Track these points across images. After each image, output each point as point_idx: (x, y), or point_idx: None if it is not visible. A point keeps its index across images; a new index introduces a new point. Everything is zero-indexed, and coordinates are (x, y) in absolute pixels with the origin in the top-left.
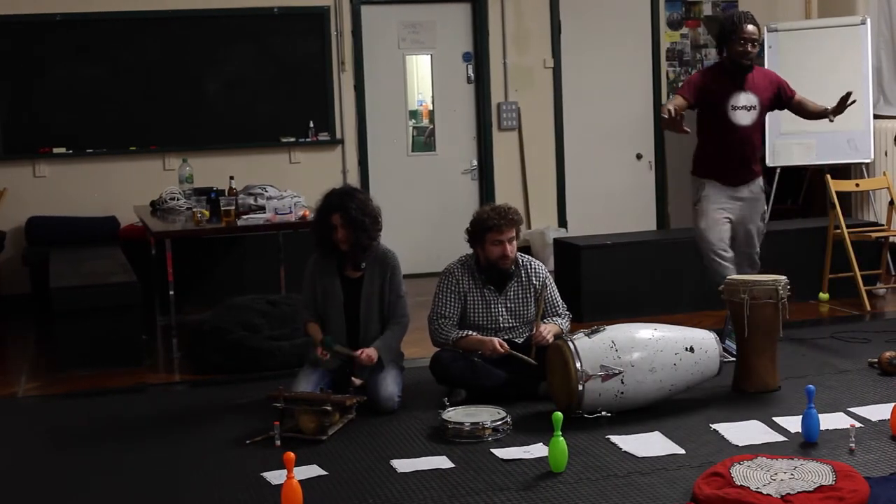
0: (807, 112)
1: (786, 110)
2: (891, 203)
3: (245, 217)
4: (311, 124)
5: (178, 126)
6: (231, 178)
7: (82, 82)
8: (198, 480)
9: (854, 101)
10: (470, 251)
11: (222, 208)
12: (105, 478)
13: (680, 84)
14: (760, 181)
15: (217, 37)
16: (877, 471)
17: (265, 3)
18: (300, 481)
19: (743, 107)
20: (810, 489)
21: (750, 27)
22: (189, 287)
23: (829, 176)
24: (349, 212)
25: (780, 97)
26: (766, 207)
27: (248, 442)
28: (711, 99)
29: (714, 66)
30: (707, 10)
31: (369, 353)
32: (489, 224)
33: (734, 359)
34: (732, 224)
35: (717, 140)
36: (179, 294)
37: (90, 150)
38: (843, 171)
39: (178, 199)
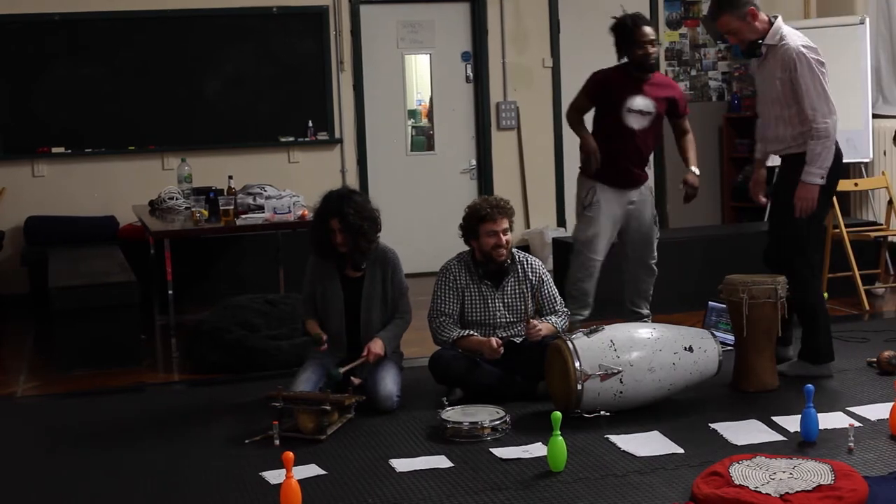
0: (680, 143)
1: None
2: (889, 202)
3: (244, 217)
4: (310, 124)
5: (177, 125)
6: (230, 177)
7: (81, 82)
8: (197, 480)
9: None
10: (467, 249)
11: (221, 208)
12: (104, 477)
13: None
14: (649, 184)
15: (216, 36)
16: (875, 470)
17: (264, 3)
18: (299, 481)
19: (639, 111)
20: (809, 488)
21: (646, 28)
22: (188, 287)
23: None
24: (347, 217)
25: (673, 111)
26: (655, 211)
27: (246, 441)
28: (609, 98)
29: (617, 66)
30: (706, 9)
31: (375, 350)
32: (482, 214)
33: (731, 347)
34: (623, 230)
35: (610, 142)
36: (178, 294)
37: (89, 150)
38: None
39: (176, 199)
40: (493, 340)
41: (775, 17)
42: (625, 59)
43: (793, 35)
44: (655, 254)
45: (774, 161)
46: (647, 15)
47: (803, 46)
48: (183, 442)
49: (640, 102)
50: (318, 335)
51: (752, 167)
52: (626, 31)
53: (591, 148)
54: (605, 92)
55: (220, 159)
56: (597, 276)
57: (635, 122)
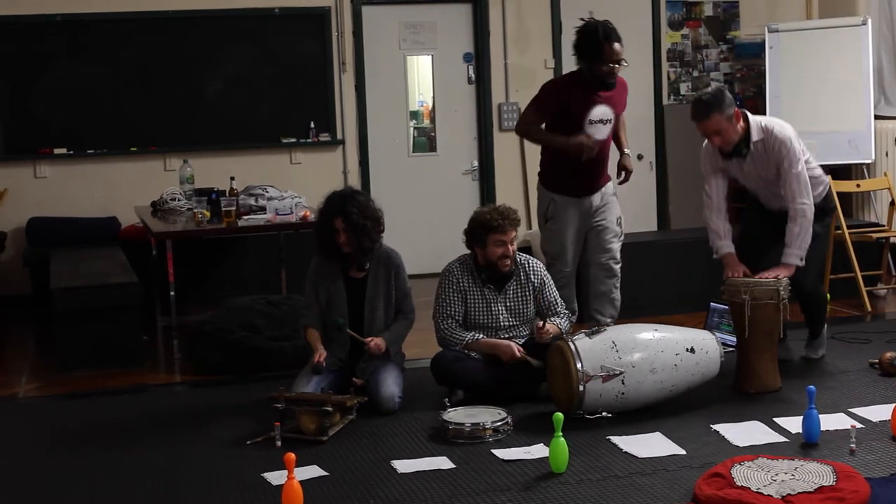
0: (617, 130)
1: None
2: (891, 203)
3: (246, 218)
4: (312, 125)
5: (179, 126)
6: (232, 178)
7: (83, 83)
8: (198, 481)
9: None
10: (468, 252)
11: (223, 209)
12: (105, 478)
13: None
14: (611, 185)
15: (218, 37)
16: (877, 471)
17: (266, 4)
18: (301, 482)
19: (599, 120)
20: (811, 490)
21: (616, 46)
22: (190, 288)
23: (829, 176)
24: (351, 216)
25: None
26: (620, 214)
27: (248, 442)
28: (568, 111)
29: (571, 76)
30: (708, 10)
31: (378, 342)
32: (492, 225)
33: (733, 348)
34: (587, 237)
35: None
36: (180, 295)
37: (91, 151)
38: (843, 172)
39: (178, 200)
40: (514, 347)
41: (744, 114)
42: (579, 66)
43: (770, 122)
44: (617, 255)
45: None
46: (648, 15)
47: (790, 135)
48: (184, 443)
49: (599, 112)
50: (316, 349)
51: (726, 264)
52: (595, 43)
53: (574, 142)
54: (562, 106)
55: (222, 160)
56: (573, 283)
57: (597, 133)
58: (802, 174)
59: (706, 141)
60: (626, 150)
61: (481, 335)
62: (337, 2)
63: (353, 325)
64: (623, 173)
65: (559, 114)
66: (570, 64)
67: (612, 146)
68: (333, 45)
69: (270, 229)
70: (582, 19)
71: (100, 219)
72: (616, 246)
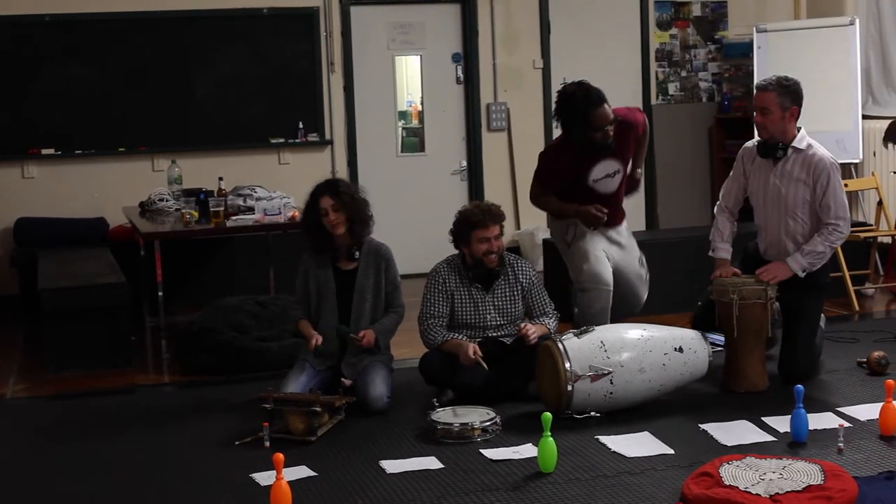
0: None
1: None
2: (879, 203)
3: (234, 218)
4: (301, 125)
5: (167, 127)
6: (220, 178)
7: (71, 83)
8: (187, 481)
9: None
10: (456, 252)
11: (211, 209)
12: (94, 478)
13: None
14: (625, 225)
15: (206, 38)
16: (865, 470)
17: (255, 4)
18: (289, 482)
19: (605, 176)
20: (799, 489)
21: (602, 109)
22: (178, 288)
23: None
24: (339, 192)
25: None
26: (641, 253)
27: (237, 443)
28: (568, 179)
29: (563, 141)
30: (696, 10)
31: (369, 338)
32: (474, 221)
33: (721, 348)
34: (614, 268)
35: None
36: (168, 295)
37: (79, 151)
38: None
39: (166, 201)
40: (471, 348)
41: (799, 126)
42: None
43: (818, 144)
44: (644, 297)
45: None
46: (636, 15)
47: (835, 162)
48: (173, 443)
49: (601, 169)
50: (311, 335)
51: (717, 266)
52: (579, 111)
53: (580, 208)
54: (559, 175)
55: (210, 161)
56: (610, 305)
57: (604, 187)
58: (842, 197)
59: (749, 142)
60: (639, 168)
61: (461, 335)
62: (325, 2)
63: (341, 316)
64: (629, 183)
65: (559, 183)
66: (559, 64)
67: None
68: (322, 45)
69: (259, 230)
70: (563, 83)
71: (88, 219)
72: (644, 290)
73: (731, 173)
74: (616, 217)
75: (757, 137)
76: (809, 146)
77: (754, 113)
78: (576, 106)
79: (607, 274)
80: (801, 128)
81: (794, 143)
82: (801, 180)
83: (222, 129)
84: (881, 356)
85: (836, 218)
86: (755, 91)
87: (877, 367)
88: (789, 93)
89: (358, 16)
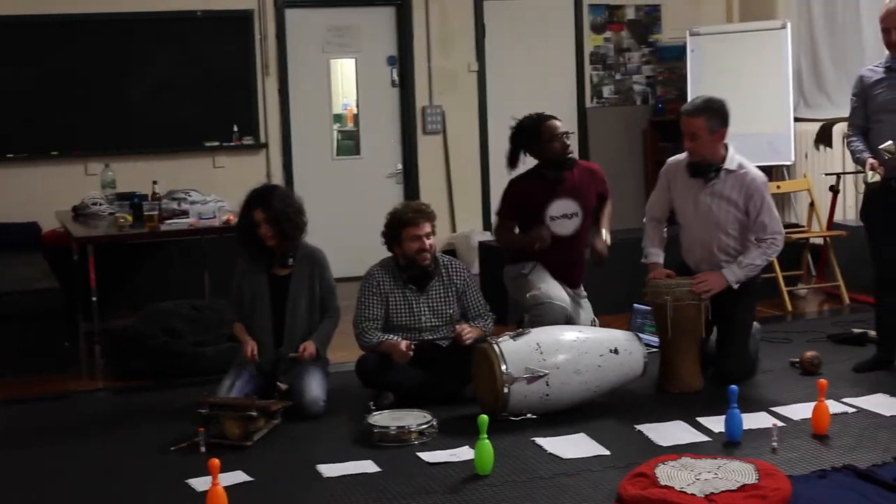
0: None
1: None
2: (811, 205)
3: (168, 222)
4: (235, 128)
5: (101, 131)
6: (154, 182)
7: (4, 86)
8: (122, 488)
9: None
10: (391, 255)
11: (145, 213)
12: (27, 486)
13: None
14: (582, 288)
15: (139, 40)
16: (799, 469)
17: (188, 7)
18: (225, 487)
19: (562, 215)
20: (734, 488)
21: (555, 121)
22: (112, 293)
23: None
24: (271, 205)
25: (601, 199)
26: (594, 316)
27: (172, 448)
28: (527, 210)
29: (530, 173)
30: (630, 14)
31: (310, 350)
32: (405, 219)
33: (656, 349)
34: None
35: (542, 253)
36: (102, 300)
37: (11, 155)
38: (764, 173)
39: (100, 205)
40: (403, 343)
41: (726, 144)
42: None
43: (747, 162)
44: None
45: None
46: (571, 18)
47: (765, 180)
48: (107, 449)
49: (559, 207)
50: (246, 341)
51: (651, 269)
52: (531, 129)
53: (530, 237)
54: (520, 206)
55: (144, 164)
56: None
57: (561, 229)
58: (775, 212)
59: (674, 157)
60: (602, 234)
61: (396, 337)
62: (260, 4)
63: (275, 323)
64: (593, 255)
65: (521, 214)
66: (494, 67)
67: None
68: (257, 48)
69: (193, 234)
70: (516, 119)
71: (20, 224)
72: None
73: (656, 186)
74: (574, 273)
75: (685, 155)
76: (740, 166)
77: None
78: (526, 123)
79: (562, 293)
80: (727, 145)
81: (726, 165)
82: (733, 200)
83: (156, 133)
84: (814, 356)
85: (772, 233)
86: (682, 116)
87: (810, 367)
88: (718, 115)
89: (293, 18)
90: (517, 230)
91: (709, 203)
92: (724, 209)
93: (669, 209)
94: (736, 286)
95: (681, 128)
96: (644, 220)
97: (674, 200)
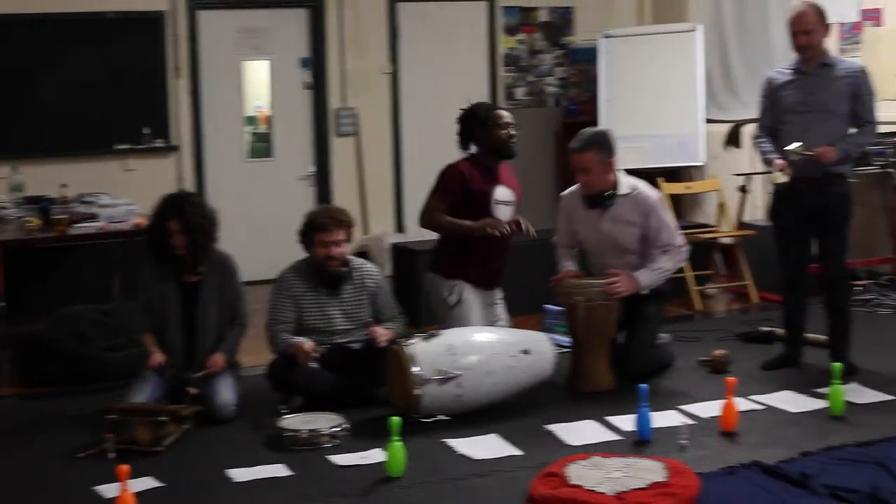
0: None
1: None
2: (721, 205)
3: (78, 226)
4: (147, 131)
5: (9, 133)
6: (63, 185)
7: None
8: (29, 495)
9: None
10: (304, 257)
11: (54, 217)
12: None
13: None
14: (499, 292)
15: (50, 42)
16: (707, 466)
17: (100, 7)
18: (135, 494)
19: (504, 202)
20: (643, 486)
21: (503, 111)
22: (21, 297)
23: (661, 179)
24: (187, 216)
25: None
26: (507, 316)
27: (80, 455)
28: (470, 192)
29: (468, 159)
30: (543, 16)
31: (219, 363)
32: (317, 224)
33: (568, 349)
34: None
35: (477, 240)
36: (11, 305)
37: None
38: (675, 174)
39: (8, 208)
40: (307, 344)
41: (618, 171)
42: (474, 149)
43: (638, 181)
44: None
45: None
46: (484, 21)
47: (657, 196)
48: (15, 456)
49: (502, 192)
50: (153, 352)
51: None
52: (480, 115)
53: (479, 224)
54: (465, 187)
55: (53, 167)
56: None
57: (503, 214)
58: (674, 224)
59: (567, 191)
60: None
61: (308, 340)
62: (172, 6)
63: (186, 331)
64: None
65: (463, 196)
66: (408, 69)
67: None
68: (168, 49)
69: (103, 237)
70: (462, 109)
71: None
72: None
73: (558, 218)
74: (502, 270)
75: (577, 186)
76: (633, 188)
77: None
78: (479, 109)
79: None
80: (616, 171)
81: (619, 191)
82: (632, 222)
83: (66, 136)
84: (723, 354)
85: (675, 245)
86: (572, 153)
87: (718, 366)
88: (605, 148)
89: (205, 20)
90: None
91: (609, 229)
92: (625, 232)
93: (573, 237)
94: (646, 291)
95: (572, 165)
96: (556, 246)
97: (576, 230)
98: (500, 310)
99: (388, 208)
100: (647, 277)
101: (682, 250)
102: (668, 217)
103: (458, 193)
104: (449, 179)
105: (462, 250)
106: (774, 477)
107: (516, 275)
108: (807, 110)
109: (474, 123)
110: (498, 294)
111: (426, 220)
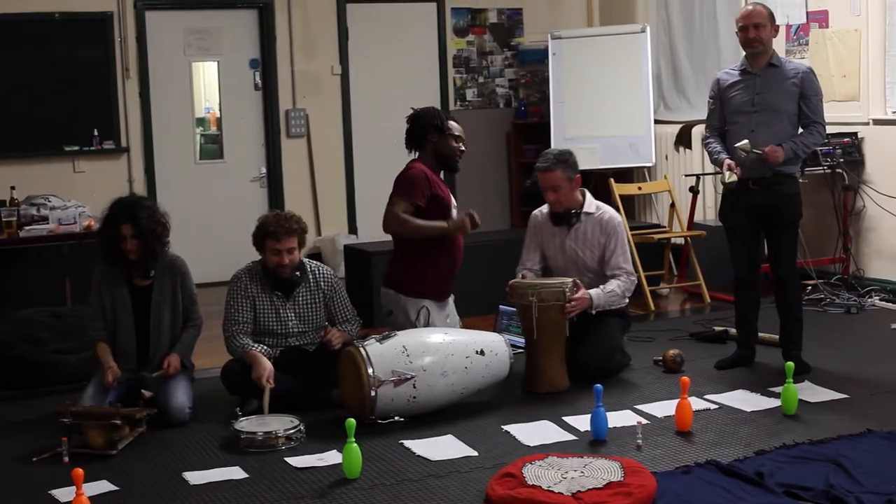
0: None
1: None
2: (672, 205)
3: (27, 228)
4: (96, 132)
5: None
6: (12, 188)
7: None
8: None
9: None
10: (258, 259)
11: (3, 219)
12: None
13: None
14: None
15: None
16: (663, 465)
17: (46, 8)
18: (90, 497)
19: (457, 207)
20: (600, 486)
21: (456, 124)
22: None
23: (612, 180)
24: (139, 221)
25: None
26: (458, 318)
27: (34, 459)
28: (438, 195)
29: (421, 161)
30: (492, 17)
31: (175, 363)
32: (268, 230)
33: (522, 350)
34: None
35: (441, 249)
36: None
37: None
38: (625, 175)
39: None
40: (265, 375)
41: (583, 190)
42: (416, 155)
43: (602, 204)
44: None
45: None
46: (434, 22)
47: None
48: None
49: (454, 200)
50: (107, 366)
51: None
52: (434, 122)
53: (454, 222)
54: (433, 190)
55: (1, 169)
56: None
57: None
58: (629, 252)
59: (537, 209)
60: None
61: (264, 343)
62: (119, 7)
63: (139, 334)
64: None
65: (432, 200)
66: (357, 70)
67: None
68: (116, 50)
69: (53, 240)
70: (413, 108)
71: None
72: None
73: (525, 241)
74: (455, 277)
75: (546, 207)
76: (598, 207)
77: (545, 191)
78: (433, 115)
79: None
80: (584, 191)
81: (585, 209)
82: (595, 241)
83: (14, 137)
84: (676, 354)
85: (626, 272)
86: (539, 171)
87: (672, 365)
88: (570, 166)
89: (153, 21)
90: None
91: (573, 247)
92: (587, 251)
93: (541, 258)
94: (593, 311)
95: (539, 184)
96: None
97: (544, 249)
98: (450, 307)
99: (341, 209)
100: (599, 298)
101: (632, 279)
102: (626, 245)
103: (428, 194)
104: (418, 181)
105: (423, 259)
106: (730, 475)
107: (469, 276)
108: (755, 110)
109: (430, 128)
110: (451, 302)
111: (393, 224)
